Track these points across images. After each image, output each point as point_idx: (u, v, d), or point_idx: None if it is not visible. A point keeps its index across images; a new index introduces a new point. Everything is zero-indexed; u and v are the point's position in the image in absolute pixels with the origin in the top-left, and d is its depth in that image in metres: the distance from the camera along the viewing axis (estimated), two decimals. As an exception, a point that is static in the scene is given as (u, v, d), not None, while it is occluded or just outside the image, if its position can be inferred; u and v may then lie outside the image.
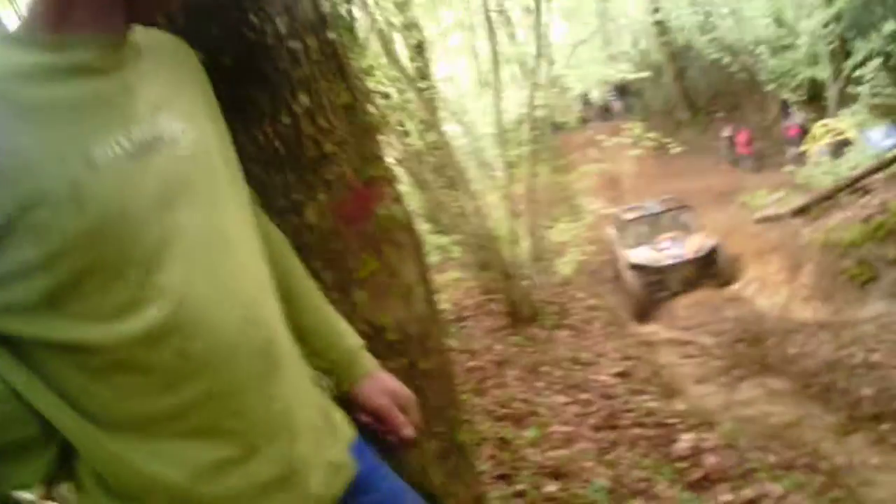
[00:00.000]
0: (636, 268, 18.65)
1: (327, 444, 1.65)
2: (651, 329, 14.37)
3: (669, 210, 20.59)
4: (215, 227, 1.44)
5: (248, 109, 2.09)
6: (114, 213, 1.26)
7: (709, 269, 18.24)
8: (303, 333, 1.79)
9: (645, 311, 17.85)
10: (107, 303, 1.28)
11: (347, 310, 2.21)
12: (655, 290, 18.24)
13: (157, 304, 1.31)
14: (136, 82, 1.40)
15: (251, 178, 1.78)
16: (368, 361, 1.99)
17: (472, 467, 3.03)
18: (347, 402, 1.93)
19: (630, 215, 20.70)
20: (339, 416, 1.78)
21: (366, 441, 1.86)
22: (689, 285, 18.01)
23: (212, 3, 1.83)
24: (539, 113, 15.02)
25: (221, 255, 1.43)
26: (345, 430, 1.77)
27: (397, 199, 2.48)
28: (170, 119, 1.42)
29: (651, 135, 14.89)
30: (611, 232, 21.29)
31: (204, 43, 1.84)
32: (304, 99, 2.14)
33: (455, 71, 22.19)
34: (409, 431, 2.00)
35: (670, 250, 18.65)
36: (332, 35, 2.25)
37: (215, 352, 1.38)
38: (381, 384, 1.98)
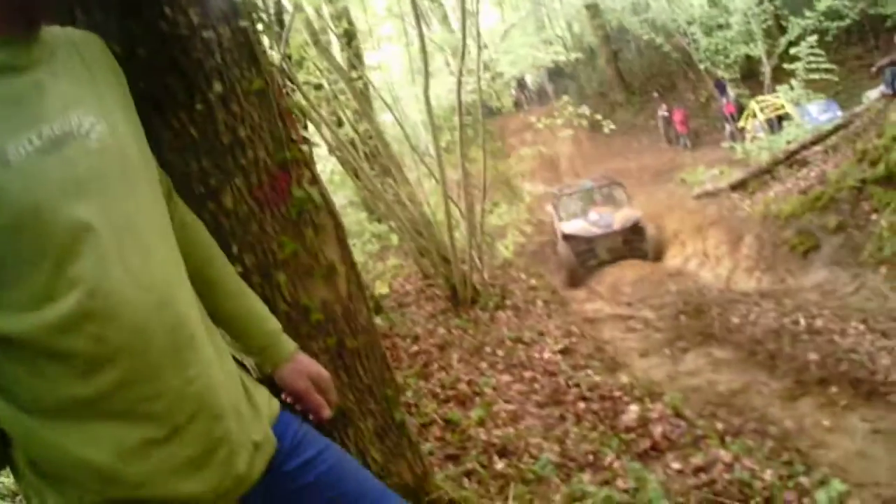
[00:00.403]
0: (568, 238, 19.77)
1: (251, 424, 1.72)
2: (594, 306, 14.35)
3: (601, 186, 21.88)
4: (127, 217, 1.49)
5: (163, 99, 2.15)
6: (27, 208, 1.32)
7: (635, 240, 19.36)
8: (224, 318, 1.93)
9: (576, 279, 18.93)
10: (23, 294, 1.34)
11: (270, 292, 2.39)
12: (586, 258, 19.46)
13: (72, 294, 1.36)
14: (48, 80, 1.46)
15: (168, 167, 1.89)
16: (287, 345, 2.10)
17: (413, 446, 3.15)
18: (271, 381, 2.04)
19: (566, 192, 22.12)
20: (261, 396, 1.86)
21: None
22: (617, 255, 19.29)
23: None
24: (469, 98, 14.98)
25: (133, 244, 1.48)
26: (266, 408, 1.84)
27: (313, 180, 2.59)
28: (81, 114, 1.48)
29: (582, 112, 14.79)
30: (549, 209, 22.29)
31: (120, 36, 1.93)
32: (217, 86, 2.22)
33: (388, 59, 22.14)
34: (325, 412, 2.13)
35: (599, 221, 19.71)
36: (244, 24, 2.34)
37: (131, 336, 1.43)
38: (299, 367, 2.09)
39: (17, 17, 1.42)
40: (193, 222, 1.97)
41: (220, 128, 2.24)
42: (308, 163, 2.64)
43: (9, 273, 1.32)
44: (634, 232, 19.34)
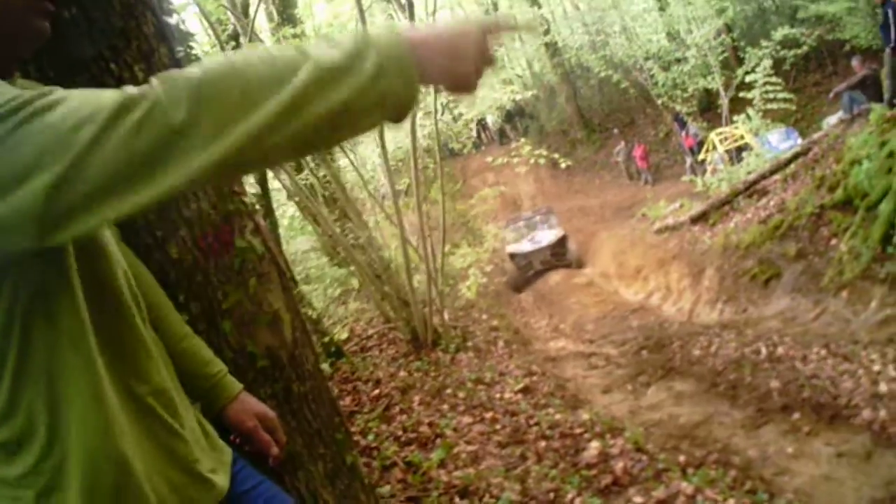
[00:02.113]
0: (512, 256, 25.13)
1: (211, 457, 1.79)
2: (557, 344, 14.36)
3: (538, 215, 26.88)
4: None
5: None
6: None
7: (560, 253, 24.69)
8: (172, 362, 1.87)
9: (519, 286, 24.50)
10: None
11: (216, 339, 2.45)
12: (525, 270, 24.95)
13: None
14: None
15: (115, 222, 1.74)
16: (233, 385, 2.15)
17: (366, 488, 3.21)
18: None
19: (511, 223, 26.85)
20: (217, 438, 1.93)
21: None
22: (549, 265, 24.71)
23: (77, 56, 1.93)
24: (426, 142, 15.00)
25: None
26: (226, 450, 1.92)
27: (255, 231, 2.66)
28: None
29: (539, 151, 14.85)
30: (504, 236, 26.04)
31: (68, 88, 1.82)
32: None
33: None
34: (274, 450, 2.14)
35: (533, 240, 25.11)
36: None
37: None
38: (246, 406, 2.14)
39: (10, 62, 1.47)
40: (141, 269, 2.02)
41: None
42: (250, 214, 2.70)
43: None
44: (560, 245, 24.68)
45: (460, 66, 1.35)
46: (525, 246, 25.00)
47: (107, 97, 1.10)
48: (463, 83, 1.39)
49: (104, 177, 1.06)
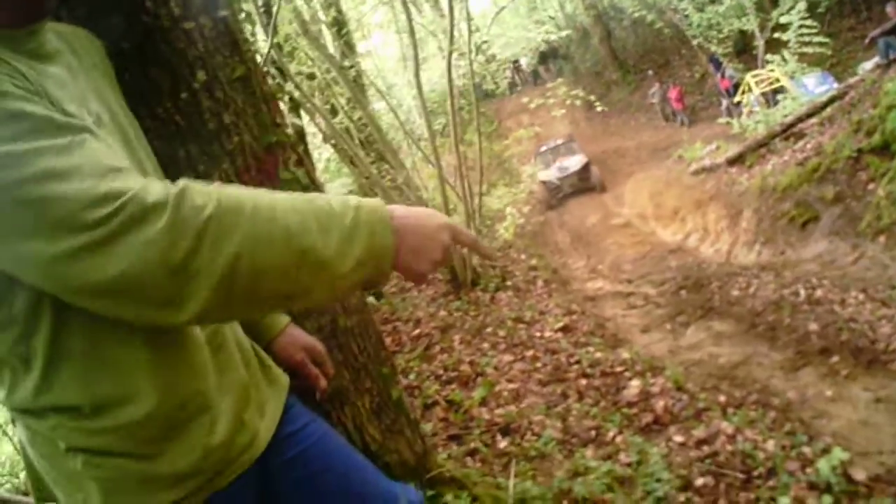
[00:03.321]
0: (543, 182, 27.10)
1: (268, 389, 1.87)
2: (595, 284, 14.32)
3: (562, 142, 28.69)
4: None
5: (148, 89, 2.19)
6: None
7: (585, 177, 26.95)
8: None
9: (552, 205, 26.83)
10: None
11: None
12: (555, 192, 27.12)
13: None
14: (65, 73, 1.50)
15: (156, 155, 1.85)
16: (280, 319, 2.17)
17: (412, 424, 3.18)
18: None
19: (541, 149, 28.52)
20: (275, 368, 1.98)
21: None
22: (575, 188, 26.95)
23: None
24: (462, 81, 14.91)
25: None
26: (282, 382, 1.98)
27: (300, 162, 2.62)
28: (92, 105, 1.51)
29: (575, 92, 14.72)
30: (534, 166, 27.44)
31: (104, 31, 1.89)
32: (200, 75, 2.26)
33: (380, 47, 22.06)
34: (322, 384, 2.20)
35: (561, 167, 27.20)
36: (223, 13, 2.37)
37: None
38: (293, 339, 2.17)
39: (33, 8, 1.44)
40: None
41: (206, 115, 2.28)
42: (294, 145, 2.66)
43: None
44: (584, 171, 26.90)
45: (422, 263, 1.49)
46: (554, 173, 27.11)
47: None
48: (417, 277, 1.52)
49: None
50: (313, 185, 2.67)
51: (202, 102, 2.26)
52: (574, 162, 27.36)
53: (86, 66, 1.64)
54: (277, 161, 2.50)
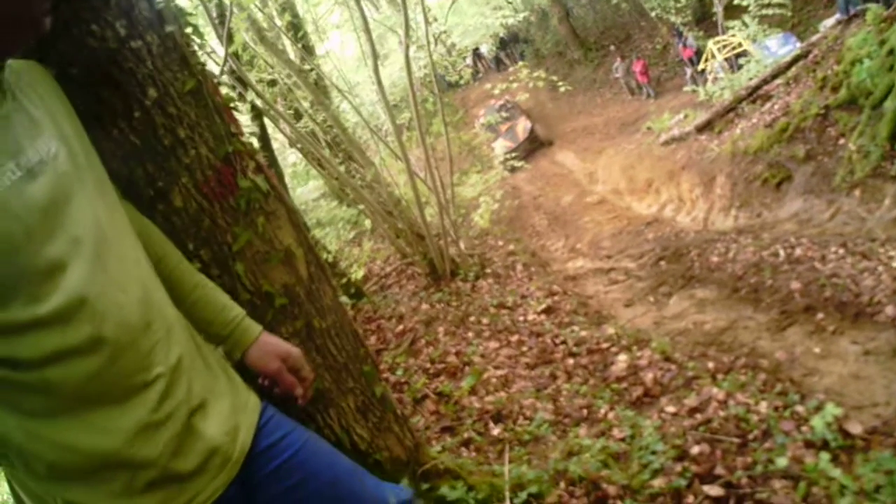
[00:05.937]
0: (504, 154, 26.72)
1: (238, 409, 1.88)
2: (576, 264, 14.36)
3: (504, 107, 29.85)
4: (99, 227, 1.59)
5: (101, 111, 2.17)
6: (17, 234, 1.42)
7: (534, 138, 29.96)
8: (187, 311, 1.97)
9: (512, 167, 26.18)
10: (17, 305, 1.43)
11: (231, 283, 2.45)
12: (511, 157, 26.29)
13: (57, 295, 1.46)
14: (13, 112, 1.53)
15: (114, 176, 1.87)
16: (252, 328, 2.14)
17: (399, 419, 3.17)
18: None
19: (488, 114, 29.13)
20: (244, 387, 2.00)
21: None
22: (528, 150, 29.05)
23: (54, 20, 1.74)
24: (421, 73, 14.89)
25: (107, 252, 1.59)
26: (254, 399, 1.99)
27: (258, 169, 2.62)
28: (45, 140, 1.56)
29: (538, 74, 14.71)
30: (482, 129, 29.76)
31: (52, 58, 1.96)
32: (152, 92, 2.25)
33: (340, 47, 22.04)
34: (298, 391, 2.17)
35: (513, 138, 29.46)
36: (170, 28, 2.35)
37: (125, 331, 1.56)
38: (267, 348, 2.14)
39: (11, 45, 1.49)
40: (146, 224, 2.06)
41: (160, 131, 2.27)
42: (252, 153, 2.65)
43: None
44: (532, 133, 29.88)
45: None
46: (507, 143, 28.97)
47: None
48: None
49: None
50: (273, 191, 2.65)
51: (156, 119, 2.25)
52: (521, 129, 30.17)
53: (39, 99, 1.65)
54: (235, 170, 2.48)
